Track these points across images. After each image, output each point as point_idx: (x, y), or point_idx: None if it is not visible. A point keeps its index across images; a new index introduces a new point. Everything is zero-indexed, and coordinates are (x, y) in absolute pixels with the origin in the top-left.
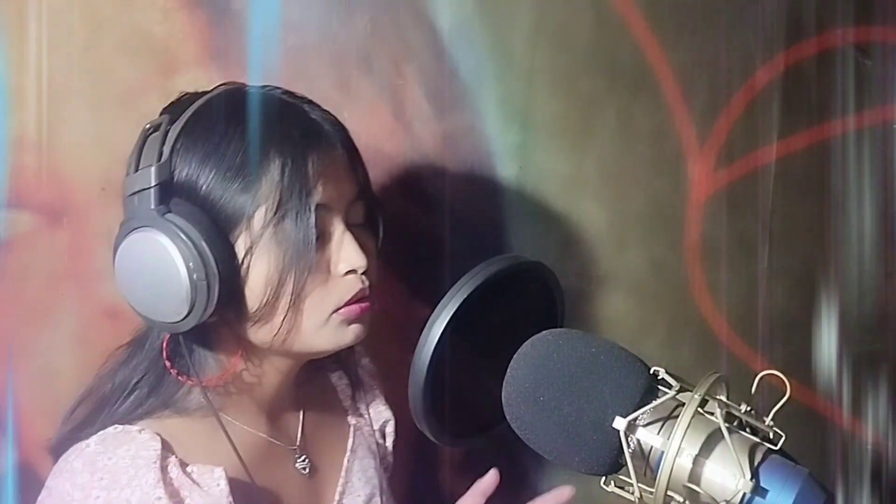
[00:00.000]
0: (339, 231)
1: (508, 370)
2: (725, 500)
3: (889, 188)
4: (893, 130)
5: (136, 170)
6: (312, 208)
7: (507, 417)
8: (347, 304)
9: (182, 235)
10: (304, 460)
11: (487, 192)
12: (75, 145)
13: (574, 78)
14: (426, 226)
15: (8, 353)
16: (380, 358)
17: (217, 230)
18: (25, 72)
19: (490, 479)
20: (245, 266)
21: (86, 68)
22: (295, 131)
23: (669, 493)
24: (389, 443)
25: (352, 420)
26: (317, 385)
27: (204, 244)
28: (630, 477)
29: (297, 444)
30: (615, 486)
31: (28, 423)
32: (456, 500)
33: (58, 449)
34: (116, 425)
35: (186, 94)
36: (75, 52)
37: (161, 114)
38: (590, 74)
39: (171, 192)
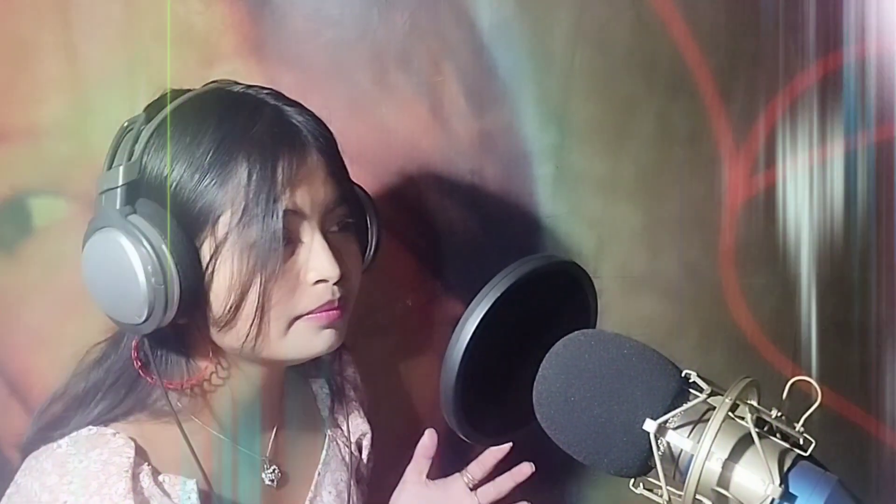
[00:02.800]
0: (311, 238)
1: (540, 370)
2: None
3: None
4: None
5: (109, 167)
6: (280, 214)
7: (538, 417)
8: (314, 311)
9: (142, 238)
10: (272, 471)
11: (523, 191)
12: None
13: (612, 79)
14: (461, 223)
15: (45, 341)
16: (412, 355)
17: (181, 233)
18: (64, 59)
19: (525, 469)
20: (210, 270)
21: (124, 57)
22: (266, 135)
23: (698, 496)
24: (365, 455)
25: (328, 431)
26: (296, 393)
27: (164, 248)
28: (659, 479)
29: (268, 454)
30: (644, 488)
31: None
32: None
33: (28, 447)
34: (90, 426)
35: (174, 90)
36: (114, 40)
37: (144, 110)
38: (628, 76)
39: (138, 192)
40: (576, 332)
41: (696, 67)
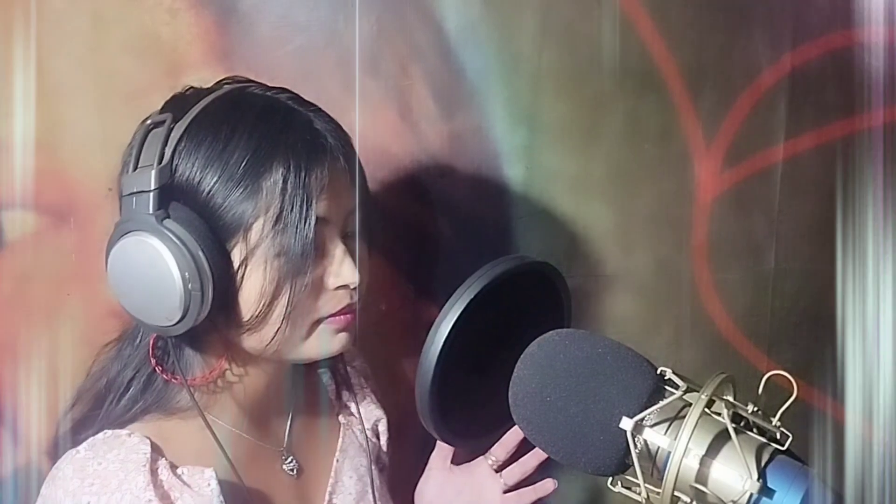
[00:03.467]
0: (335, 245)
1: (515, 370)
2: (732, 501)
3: None
4: None
5: (136, 167)
6: (312, 222)
7: (514, 418)
8: (334, 315)
9: (179, 244)
10: (290, 461)
11: (494, 192)
12: (82, 146)
13: (580, 79)
14: (433, 226)
15: (15, 354)
16: (387, 359)
17: (214, 238)
18: (32, 72)
19: (548, 485)
20: (240, 275)
21: (92, 69)
22: (300, 143)
23: (676, 493)
24: (384, 441)
25: (342, 419)
26: (306, 385)
27: (201, 253)
28: (637, 477)
29: (284, 445)
30: (622, 486)
31: (31, 424)
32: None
33: (55, 451)
34: (106, 430)
35: (191, 88)
36: (82, 52)
37: (162, 108)
38: (596, 75)
39: (170, 196)
40: (550, 332)
41: (664, 64)
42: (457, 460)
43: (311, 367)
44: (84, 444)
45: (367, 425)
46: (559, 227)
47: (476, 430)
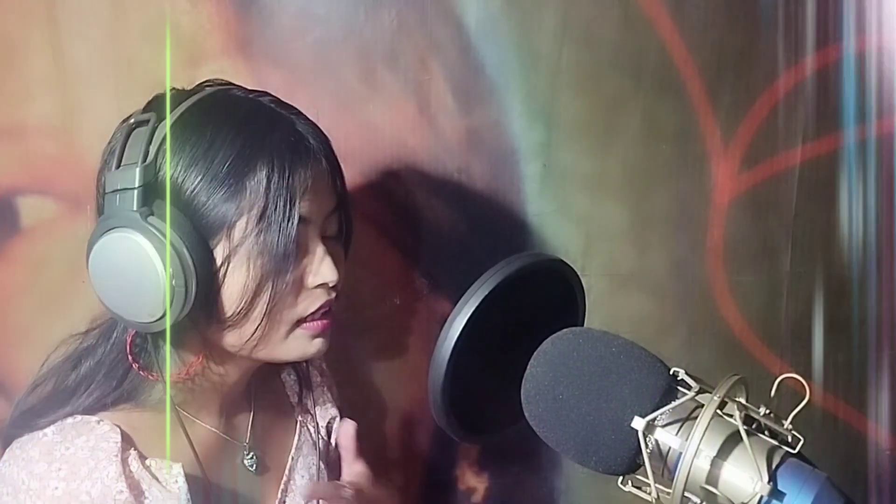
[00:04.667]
0: (314, 244)
1: (528, 368)
2: (743, 503)
3: None
4: None
5: (119, 165)
6: (296, 221)
7: (526, 415)
8: (313, 316)
9: (164, 241)
10: (251, 457)
11: (510, 189)
12: (100, 133)
13: (599, 77)
14: (448, 221)
15: (31, 340)
16: (400, 354)
17: (198, 236)
18: (51, 59)
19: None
20: (222, 273)
21: (112, 56)
22: (284, 144)
23: (686, 494)
24: (333, 440)
25: (299, 417)
26: (268, 382)
27: (185, 250)
28: (647, 477)
29: (247, 440)
30: (632, 485)
31: None
32: (471, 497)
33: (10, 433)
34: (75, 415)
35: (174, 89)
36: (101, 39)
37: (146, 108)
38: (615, 74)
39: (153, 194)
40: (564, 330)
41: (684, 65)
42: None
43: (274, 364)
44: (51, 428)
45: (322, 423)
46: (575, 225)
47: (487, 426)
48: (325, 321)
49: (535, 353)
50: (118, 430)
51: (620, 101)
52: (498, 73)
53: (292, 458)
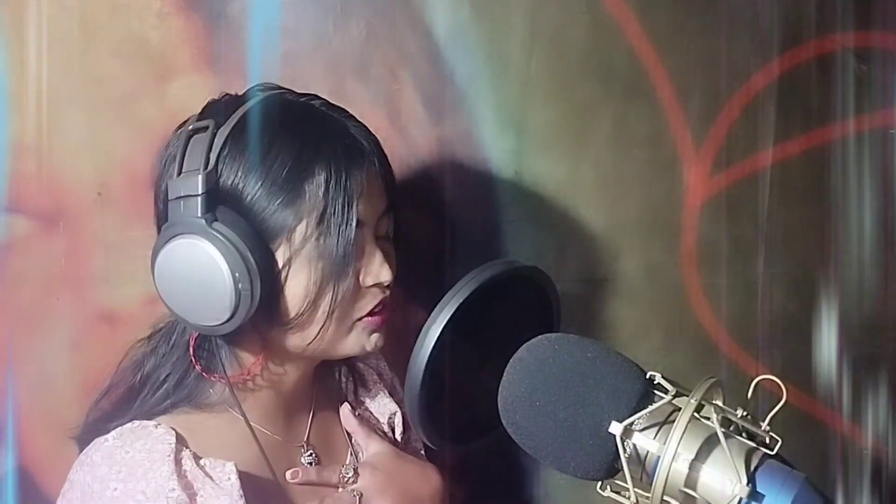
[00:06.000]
0: (369, 245)
1: (504, 375)
2: None
3: (888, 192)
4: (891, 135)
5: (180, 173)
6: (354, 224)
7: (503, 422)
8: (370, 313)
9: (230, 246)
10: (310, 455)
11: (483, 197)
12: (72, 150)
13: (569, 83)
14: (422, 230)
15: (5, 358)
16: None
17: (260, 241)
18: (23, 76)
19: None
20: (284, 276)
21: (82, 73)
22: (339, 148)
23: (666, 498)
24: (398, 434)
25: (357, 413)
26: (325, 381)
27: (249, 255)
28: (626, 482)
29: (305, 439)
30: (611, 490)
31: (24, 428)
32: None
33: (83, 438)
34: (134, 421)
35: (226, 94)
36: (72, 56)
37: (201, 114)
38: (585, 79)
39: (216, 200)
40: (539, 337)
41: (653, 69)
42: None
43: (328, 363)
44: (113, 433)
45: (382, 419)
46: (548, 231)
47: (465, 434)
48: (381, 316)
49: (511, 361)
50: (173, 432)
51: (591, 106)
52: (468, 82)
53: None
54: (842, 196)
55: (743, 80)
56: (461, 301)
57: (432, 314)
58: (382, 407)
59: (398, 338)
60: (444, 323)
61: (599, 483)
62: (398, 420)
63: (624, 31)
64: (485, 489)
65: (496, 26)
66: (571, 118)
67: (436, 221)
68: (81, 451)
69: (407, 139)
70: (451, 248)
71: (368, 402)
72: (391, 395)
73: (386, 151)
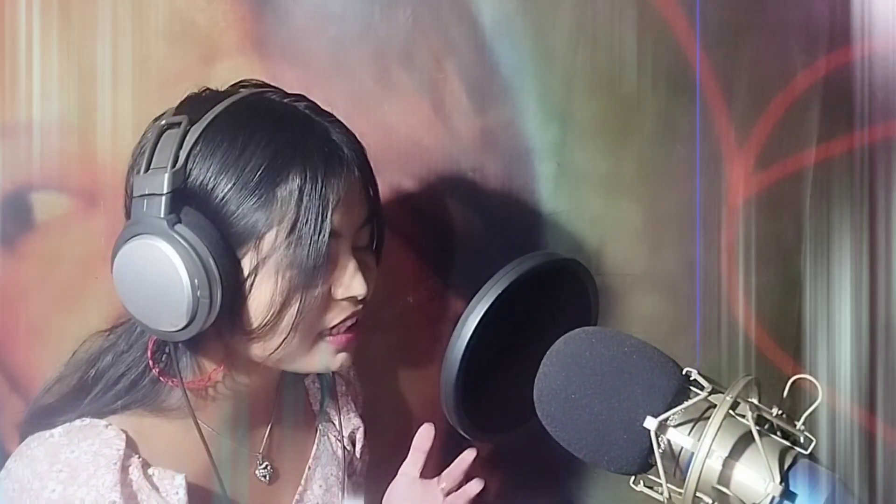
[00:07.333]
0: (345, 257)
1: (541, 367)
2: (754, 503)
3: None
4: None
5: (148, 168)
6: (327, 234)
7: (538, 414)
8: (338, 328)
9: (190, 250)
10: (265, 467)
11: (524, 188)
12: (115, 130)
13: (614, 77)
14: (462, 220)
15: (43, 336)
16: (413, 353)
17: (225, 246)
18: (69, 56)
19: (474, 486)
20: (249, 284)
21: (128, 53)
22: (317, 153)
23: (698, 494)
24: (358, 450)
25: (320, 426)
26: (290, 390)
27: (211, 261)
28: (659, 477)
29: (261, 450)
30: (644, 485)
31: None
32: (482, 496)
33: (25, 428)
34: (84, 417)
35: (207, 89)
36: (119, 36)
37: (178, 109)
38: (630, 74)
39: (182, 200)
40: (577, 330)
41: (699, 65)
42: (429, 473)
43: (297, 374)
44: (59, 429)
45: (345, 433)
46: (588, 224)
47: (499, 425)
48: (349, 335)
49: (548, 353)
50: (124, 435)
51: (635, 100)
52: (513, 73)
53: (309, 468)
54: (884, 197)
55: (788, 78)
56: (499, 292)
57: (470, 305)
58: (347, 421)
59: (436, 328)
60: (482, 314)
61: (633, 477)
62: (360, 435)
63: (670, 26)
64: (518, 481)
65: (542, 17)
66: (615, 112)
67: (476, 212)
68: (22, 441)
69: (450, 128)
70: (490, 238)
71: (333, 415)
72: (355, 405)
73: (429, 140)
